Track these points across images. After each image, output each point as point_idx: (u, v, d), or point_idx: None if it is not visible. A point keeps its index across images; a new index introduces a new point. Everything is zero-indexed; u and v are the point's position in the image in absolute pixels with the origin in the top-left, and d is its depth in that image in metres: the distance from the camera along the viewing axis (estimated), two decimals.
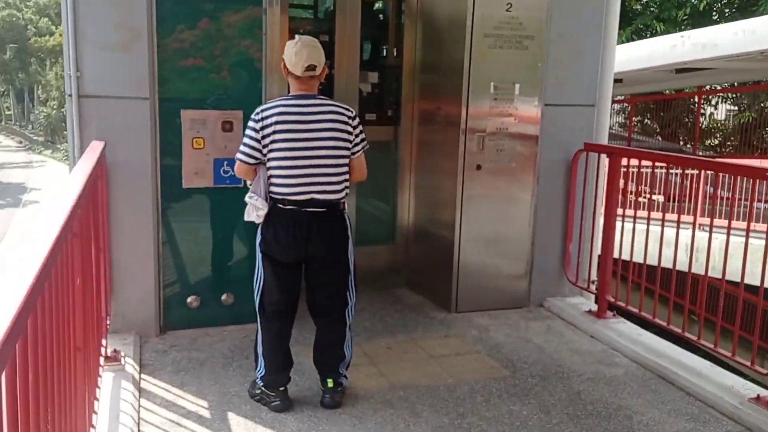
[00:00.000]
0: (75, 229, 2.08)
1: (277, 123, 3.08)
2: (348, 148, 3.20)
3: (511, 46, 4.49)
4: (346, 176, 3.23)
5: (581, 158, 4.78)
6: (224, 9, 3.99)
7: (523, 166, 4.69)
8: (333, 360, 3.35)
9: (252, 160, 3.15)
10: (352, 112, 3.23)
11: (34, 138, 52.18)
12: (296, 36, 3.18)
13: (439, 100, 4.87)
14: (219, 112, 4.04)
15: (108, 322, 3.73)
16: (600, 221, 4.80)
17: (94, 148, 3.34)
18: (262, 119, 3.10)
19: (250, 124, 3.15)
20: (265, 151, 3.12)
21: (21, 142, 55.08)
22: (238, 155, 3.18)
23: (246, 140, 3.15)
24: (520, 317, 4.68)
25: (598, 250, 4.78)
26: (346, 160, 3.21)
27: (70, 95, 3.71)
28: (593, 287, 4.81)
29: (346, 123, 3.18)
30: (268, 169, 3.15)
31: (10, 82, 53.56)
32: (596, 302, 4.68)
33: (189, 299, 4.17)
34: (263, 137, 3.10)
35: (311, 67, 3.12)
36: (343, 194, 3.22)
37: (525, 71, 4.57)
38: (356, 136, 3.23)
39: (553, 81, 4.66)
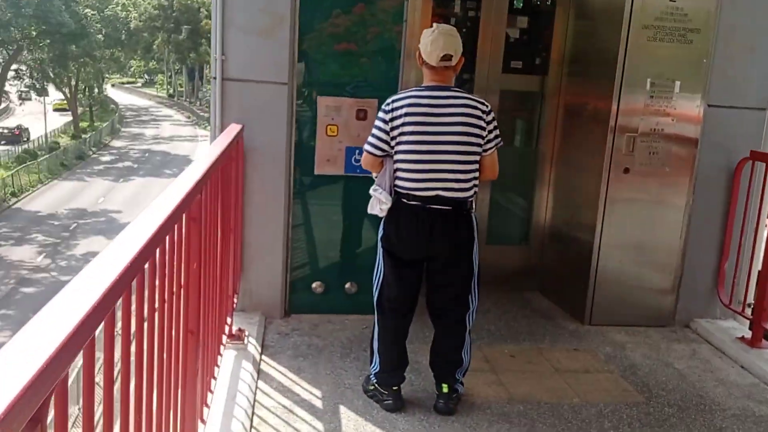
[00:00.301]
0: (193, 214, 2.08)
1: (406, 114, 2.97)
2: (480, 145, 3.03)
3: (673, 40, 4.08)
4: (476, 174, 3.06)
5: (746, 167, 4.27)
6: None
7: (678, 170, 4.27)
8: (449, 365, 3.21)
9: (379, 152, 3.07)
10: (487, 106, 3.05)
11: (201, 114, 55.99)
12: (434, 24, 3.04)
13: (587, 92, 4.55)
14: (354, 100, 4.00)
15: (236, 300, 3.82)
16: (763, 238, 4.28)
17: (229, 133, 3.39)
18: (392, 110, 3.00)
19: (380, 114, 3.06)
20: (392, 143, 3.02)
21: (189, 117, 59.41)
22: (366, 146, 3.10)
23: (374, 131, 3.07)
24: (661, 337, 4.28)
25: (757, 269, 4.27)
26: (477, 157, 3.04)
27: (215, 78, 3.81)
28: (748, 311, 4.31)
29: (479, 118, 3.00)
30: (395, 162, 3.05)
31: (183, 61, 57.72)
32: (750, 328, 4.18)
33: (314, 285, 4.19)
34: (392, 129, 3.00)
35: (447, 57, 2.98)
36: (470, 193, 3.05)
37: (687, 67, 4.14)
38: (490, 132, 3.04)
39: (719, 80, 4.18)
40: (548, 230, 4.99)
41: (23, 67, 36.13)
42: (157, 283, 1.73)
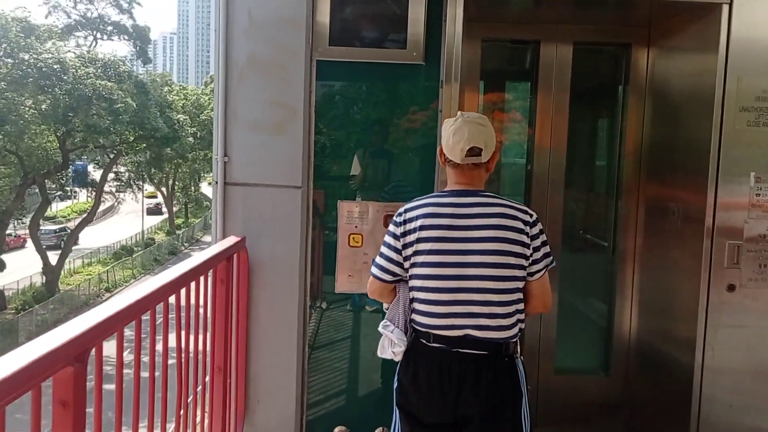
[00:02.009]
0: (60, 396, 1.39)
1: (422, 228, 2.27)
2: (522, 267, 2.27)
3: None
4: (519, 306, 2.28)
5: None
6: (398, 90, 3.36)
7: None
8: None
9: (389, 277, 2.36)
10: (531, 215, 2.31)
11: None
12: (459, 112, 2.38)
13: (674, 185, 3.70)
14: (382, 204, 3.35)
15: None
16: None
17: (217, 248, 2.78)
18: (404, 222, 2.31)
19: (390, 228, 2.37)
20: (406, 265, 2.31)
21: None
22: (372, 269, 2.41)
23: (383, 249, 2.37)
24: None
25: None
26: (519, 284, 2.28)
27: (216, 182, 3.26)
28: None
29: (520, 231, 2.26)
30: (410, 290, 2.32)
31: None
32: None
33: (336, 430, 3.41)
34: (405, 246, 2.30)
35: (474, 151, 2.28)
36: (512, 332, 2.27)
37: None
38: (536, 249, 2.29)
39: None
40: (634, 353, 4.04)
41: (122, 169, 38.05)
42: None
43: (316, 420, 3.44)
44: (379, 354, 2.40)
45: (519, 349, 2.32)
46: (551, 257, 2.34)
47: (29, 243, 33.18)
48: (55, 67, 25.97)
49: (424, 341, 2.29)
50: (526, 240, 2.26)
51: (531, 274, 2.30)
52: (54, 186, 35.38)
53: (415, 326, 2.32)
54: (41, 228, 38.68)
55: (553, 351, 3.96)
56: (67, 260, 33.87)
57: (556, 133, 3.97)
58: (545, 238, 2.33)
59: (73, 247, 33.83)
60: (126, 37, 32.32)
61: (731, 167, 3.27)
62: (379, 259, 2.38)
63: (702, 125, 3.35)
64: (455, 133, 2.30)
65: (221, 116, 3.21)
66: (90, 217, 35.01)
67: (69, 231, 40.41)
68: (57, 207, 53.56)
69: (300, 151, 3.25)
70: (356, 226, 3.34)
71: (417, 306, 2.30)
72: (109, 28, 31.93)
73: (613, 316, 4.11)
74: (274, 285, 3.29)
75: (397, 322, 2.34)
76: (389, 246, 2.35)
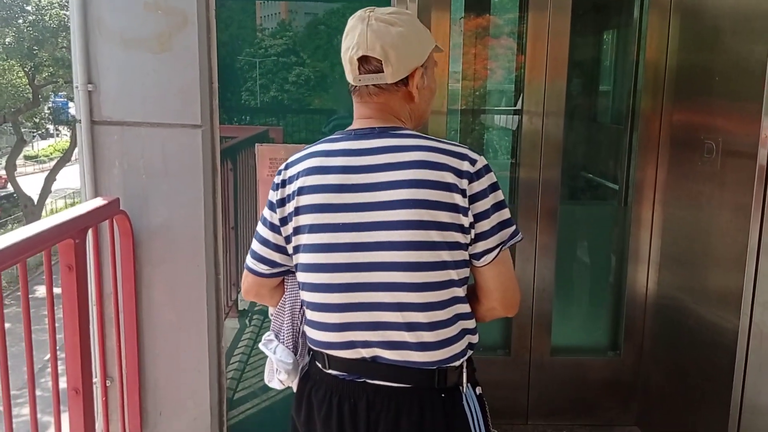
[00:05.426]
0: None
1: (302, 192, 1.39)
2: (457, 245, 1.35)
3: None
4: (460, 308, 1.40)
5: None
6: None
7: None
8: None
9: (265, 269, 1.49)
10: (473, 162, 1.36)
11: None
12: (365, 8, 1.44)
13: (711, 115, 2.80)
14: None
15: None
16: None
17: (60, 218, 1.89)
18: (283, 184, 1.43)
19: (270, 194, 1.47)
20: (290, 249, 1.44)
21: None
22: (247, 257, 1.52)
23: (258, 227, 1.49)
24: None
25: None
26: (455, 273, 1.37)
27: (79, 121, 2.34)
28: None
29: (447, 187, 1.33)
30: (300, 285, 1.46)
31: None
32: None
33: None
34: (283, 221, 1.43)
35: (371, 65, 1.38)
36: (450, 350, 1.39)
37: None
38: (480, 217, 1.36)
39: None
40: (650, 325, 3.22)
41: None
42: None
43: (246, 421, 2.64)
44: (267, 382, 1.56)
45: (466, 377, 1.45)
46: (513, 227, 1.41)
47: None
48: None
49: (320, 366, 1.44)
50: (461, 202, 1.33)
51: (477, 257, 1.39)
52: (30, 124, 34.27)
53: (309, 343, 1.47)
54: None
55: (548, 326, 3.14)
56: (48, 201, 32.93)
57: (554, 54, 3.02)
58: (501, 198, 1.39)
59: (53, 188, 32.78)
60: None
61: None
62: (253, 243, 1.49)
63: (753, 50, 2.42)
64: (346, 37, 1.41)
65: (79, 26, 2.26)
66: (68, 155, 33.83)
67: None
68: (39, 146, 52.35)
69: (196, 74, 2.32)
70: None
71: (307, 313, 1.44)
72: None
73: (625, 278, 3.26)
74: (172, 261, 2.42)
75: (283, 336, 1.49)
76: (264, 222, 1.46)
